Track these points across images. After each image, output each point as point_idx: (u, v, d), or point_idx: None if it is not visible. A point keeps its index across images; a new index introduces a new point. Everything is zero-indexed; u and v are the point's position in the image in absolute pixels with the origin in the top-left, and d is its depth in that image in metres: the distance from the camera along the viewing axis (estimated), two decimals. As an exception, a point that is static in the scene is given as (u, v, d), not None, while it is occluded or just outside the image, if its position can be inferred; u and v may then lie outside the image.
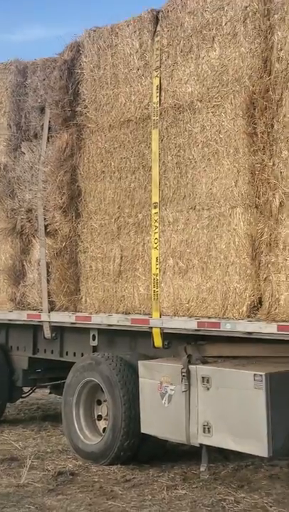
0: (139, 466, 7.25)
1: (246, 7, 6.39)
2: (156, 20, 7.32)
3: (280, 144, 6.14)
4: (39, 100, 8.68)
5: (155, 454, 7.46)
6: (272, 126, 6.17)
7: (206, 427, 6.47)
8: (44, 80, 8.63)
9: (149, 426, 7.07)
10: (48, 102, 8.41)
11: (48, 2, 35.82)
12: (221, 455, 7.34)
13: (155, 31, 7.30)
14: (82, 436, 7.70)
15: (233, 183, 6.55)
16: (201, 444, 6.60)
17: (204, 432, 6.49)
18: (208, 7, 6.73)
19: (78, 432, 7.73)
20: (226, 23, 6.57)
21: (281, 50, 6.13)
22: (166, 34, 7.17)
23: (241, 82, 6.45)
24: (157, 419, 6.95)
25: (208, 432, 6.46)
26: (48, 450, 8.01)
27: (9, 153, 8.98)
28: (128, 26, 7.60)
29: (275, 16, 6.16)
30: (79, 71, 8.12)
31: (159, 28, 7.26)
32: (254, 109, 6.29)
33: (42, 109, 8.64)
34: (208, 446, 6.61)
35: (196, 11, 6.84)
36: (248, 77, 6.39)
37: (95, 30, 8.04)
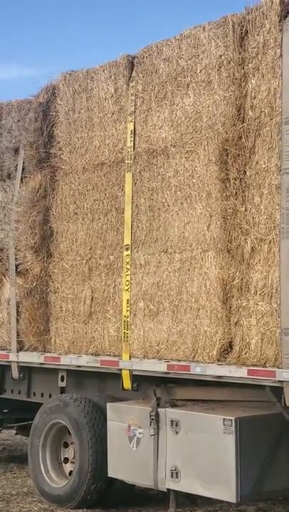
0: (106, 510, 7.17)
1: (221, 55, 6.52)
2: (131, 65, 7.43)
3: (252, 190, 6.23)
4: (13, 141, 8.73)
5: (122, 498, 7.39)
6: (245, 172, 6.27)
7: (174, 471, 6.43)
8: (19, 121, 8.69)
9: (116, 470, 7.01)
10: (23, 143, 8.47)
11: (25, 42, 36.24)
12: (188, 500, 7.28)
13: (130, 77, 7.41)
14: (48, 479, 7.61)
15: (206, 227, 6.61)
16: (169, 489, 6.55)
17: (172, 476, 6.45)
18: (183, 54, 6.87)
19: (44, 474, 7.64)
20: (200, 71, 6.70)
21: (255, 98, 6.25)
22: (141, 80, 7.29)
23: (215, 129, 6.55)
24: (125, 463, 6.90)
25: (177, 476, 6.42)
26: (14, 492, 7.91)
27: (-18, 193, 9.00)
28: (103, 71, 7.71)
29: (250, 65, 6.30)
30: (54, 114, 8.20)
31: (134, 74, 7.38)
32: (227, 155, 6.39)
33: (16, 150, 8.68)
34: (176, 491, 6.56)
35: (172, 58, 6.97)
36: (221, 124, 6.50)
37: (70, 74, 8.15)
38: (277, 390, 5.96)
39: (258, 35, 6.26)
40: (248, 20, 6.31)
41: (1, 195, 8.84)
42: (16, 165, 8.67)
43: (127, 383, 7.21)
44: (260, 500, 7.04)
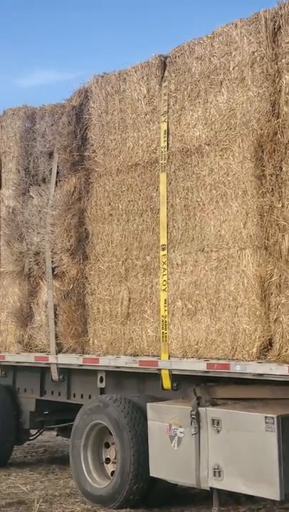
0: (149, 510, 7.18)
1: (254, 52, 6.50)
2: (163, 65, 7.45)
3: None
4: (47, 145, 8.78)
5: (164, 497, 7.39)
6: (281, 168, 6.24)
7: (217, 470, 6.42)
8: (52, 125, 8.73)
9: (158, 469, 7.01)
10: (57, 147, 8.52)
11: (57, 47, 36.53)
12: (232, 498, 7.27)
13: (163, 76, 7.43)
14: (90, 480, 7.64)
15: (242, 225, 6.60)
16: (212, 488, 6.54)
17: (215, 475, 6.44)
18: (215, 52, 6.86)
19: (86, 475, 7.67)
20: (233, 68, 6.69)
21: (289, 93, 6.23)
22: (174, 79, 7.30)
23: (249, 125, 6.54)
24: (167, 463, 6.90)
25: (219, 475, 6.41)
26: (56, 493, 7.94)
27: (18, 198, 9.07)
28: (136, 72, 7.73)
29: (283, 61, 6.26)
30: (87, 116, 8.24)
31: (166, 74, 7.39)
32: (262, 151, 6.37)
33: (50, 154, 8.73)
34: (219, 490, 6.55)
35: (204, 56, 6.97)
36: (255, 120, 6.48)
37: (102, 76, 8.18)
38: None
39: (291, 29, 6.23)
40: (281, 15, 6.28)
41: (36, 199, 8.89)
42: (51, 169, 8.72)
43: (166, 383, 7.21)
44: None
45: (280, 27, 6.29)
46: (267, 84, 6.38)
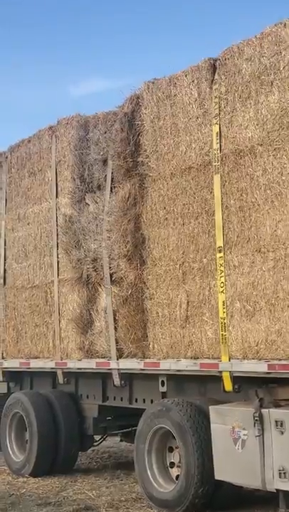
0: (215, 513, 7.18)
1: (303, 51, 6.48)
2: (213, 68, 7.45)
3: None
4: (101, 153, 8.87)
5: (230, 500, 7.37)
6: None
7: (282, 471, 6.38)
8: (105, 132, 8.83)
9: (223, 472, 7.00)
10: (110, 154, 8.60)
11: (105, 54, 36.79)
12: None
13: (213, 79, 7.44)
14: (155, 484, 7.67)
15: (298, 224, 6.56)
16: (278, 490, 6.50)
17: (280, 476, 6.40)
18: (265, 53, 6.84)
19: (151, 479, 7.70)
20: (283, 67, 6.66)
21: None
22: (224, 81, 7.30)
23: (302, 124, 6.50)
24: (231, 465, 6.88)
25: (285, 476, 6.36)
26: (122, 499, 7.98)
27: (74, 205, 9.19)
28: (186, 76, 7.76)
29: None
30: (139, 123, 8.29)
31: (216, 76, 7.39)
32: (316, 149, 6.33)
33: (104, 161, 8.82)
34: (285, 492, 6.50)
35: (253, 57, 6.96)
36: (308, 118, 6.45)
37: (153, 82, 8.23)
38: None
39: None
40: None
41: (92, 207, 8.99)
42: (105, 176, 8.82)
43: (228, 385, 7.20)
44: None
45: None
46: None
